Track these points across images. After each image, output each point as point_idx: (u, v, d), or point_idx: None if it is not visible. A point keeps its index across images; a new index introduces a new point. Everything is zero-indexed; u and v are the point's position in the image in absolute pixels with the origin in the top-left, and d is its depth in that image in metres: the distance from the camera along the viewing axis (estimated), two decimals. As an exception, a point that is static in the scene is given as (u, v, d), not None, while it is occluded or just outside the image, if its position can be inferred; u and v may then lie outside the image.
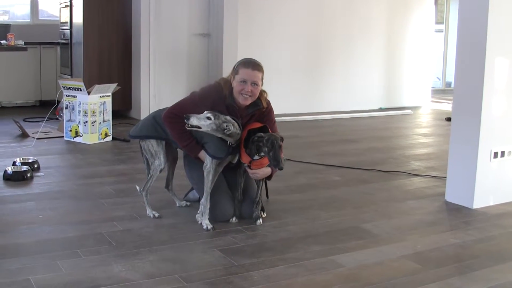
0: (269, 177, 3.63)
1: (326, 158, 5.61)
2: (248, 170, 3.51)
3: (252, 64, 3.47)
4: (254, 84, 3.44)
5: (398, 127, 7.95)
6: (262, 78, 3.50)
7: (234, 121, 3.39)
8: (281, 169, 3.32)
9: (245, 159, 3.46)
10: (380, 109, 9.51)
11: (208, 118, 3.31)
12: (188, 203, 3.88)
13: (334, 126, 7.83)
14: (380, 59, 9.60)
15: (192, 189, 3.93)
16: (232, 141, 3.41)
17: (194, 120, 3.31)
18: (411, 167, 5.34)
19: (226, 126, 3.33)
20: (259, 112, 3.57)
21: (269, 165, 3.51)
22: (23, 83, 8.43)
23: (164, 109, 3.56)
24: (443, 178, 4.64)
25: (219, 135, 3.37)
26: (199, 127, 3.32)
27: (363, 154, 5.91)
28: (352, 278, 2.82)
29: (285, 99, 8.50)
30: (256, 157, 3.42)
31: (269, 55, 8.13)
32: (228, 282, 2.72)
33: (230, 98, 3.48)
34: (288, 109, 8.48)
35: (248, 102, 3.47)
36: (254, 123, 3.52)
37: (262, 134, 3.38)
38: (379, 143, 6.62)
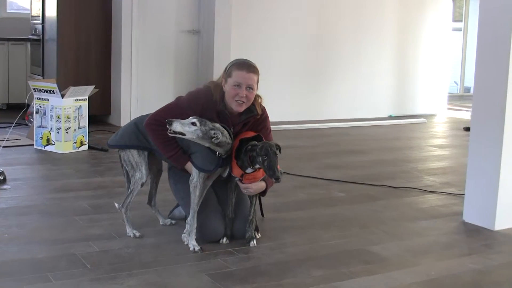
0: (263, 193, 3.63)
1: (329, 171, 5.61)
2: (240, 184, 3.51)
3: (247, 66, 3.48)
4: (249, 88, 3.45)
5: (410, 137, 7.96)
6: (258, 82, 3.51)
7: (224, 129, 3.39)
8: (277, 180, 3.31)
9: (237, 172, 3.46)
10: (390, 117, 9.53)
11: (193, 124, 3.31)
12: (173, 221, 3.87)
13: (338, 135, 7.84)
14: (391, 61, 9.63)
15: (178, 205, 3.93)
16: (222, 151, 3.41)
17: (177, 126, 3.30)
18: (425, 182, 5.35)
19: (214, 134, 3.32)
20: (253, 120, 3.58)
21: (263, 179, 3.52)
22: (-12, 84, 8.44)
23: (147, 115, 3.56)
24: (461, 195, 4.64)
25: (207, 145, 3.37)
26: (183, 134, 3.31)
27: (370, 167, 5.91)
28: (357, 307, 2.82)
29: (283, 105, 8.51)
30: (249, 169, 3.42)
31: (266, 56, 8.15)
32: (218, 310, 2.72)
33: (221, 103, 3.48)
34: (286, 116, 8.49)
35: (243, 108, 3.48)
36: (247, 132, 3.53)
37: (255, 142, 3.38)
38: (389, 155, 6.62)
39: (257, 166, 3.38)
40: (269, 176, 3.35)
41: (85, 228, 3.76)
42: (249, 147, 3.36)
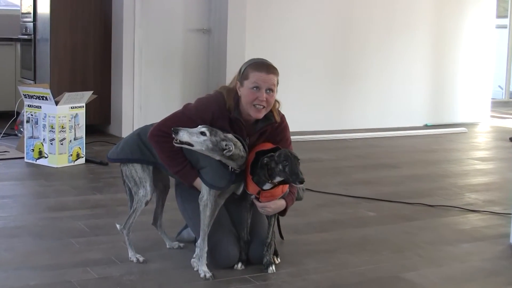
0: (282, 212, 3.62)
1: (356, 187, 5.61)
2: (256, 203, 3.51)
3: (266, 66, 3.49)
4: (270, 90, 3.45)
5: (449, 149, 7.94)
6: (277, 84, 3.52)
7: (237, 140, 3.39)
8: (302, 182, 3.29)
9: (252, 188, 3.45)
10: (426, 126, 9.51)
11: (202, 133, 3.30)
12: (181, 244, 3.88)
13: (366, 147, 7.83)
14: (426, 62, 9.61)
15: (186, 226, 3.93)
16: (235, 166, 3.40)
17: (184, 135, 3.29)
18: (466, 200, 5.33)
19: (226, 145, 3.31)
20: (270, 129, 3.58)
21: (283, 197, 3.52)
22: (-27, 90, 8.49)
23: (152, 125, 3.57)
24: (507, 215, 4.62)
25: (218, 157, 3.36)
26: (191, 145, 3.30)
27: (403, 183, 5.90)
28: None
29: (304, 113, 8.49)
30: (266, 185, 3.41)
31: (284, 57, 8.13)
32: None
33: (235, 111, 3.49)
34: (307, 126, 8.47)
35: (262, 114, 3.48)
36: (264, 144, 3.53)
37: (273, 153, 3.37)
38: (424, 169, 6.60)
39: (277, 179, 3.36)
40: (292, 182, 3.32)
41: (82, 252, 3.77)
42: (265, 160, 3.35)
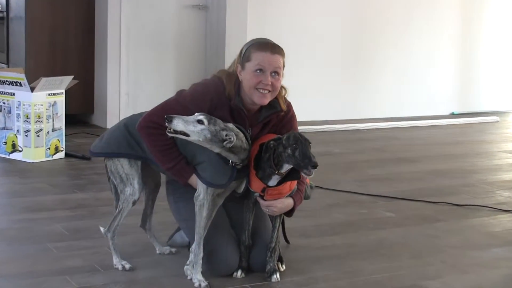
0: (289, 213, 3.63)
1: (373, 185, 5.62)
2: (261, 201, 3.51)
3: (270, 46, 3.48)
4: (275, 73, 3.45)
5: (478, 140, 7.95)
6: (284, 67, 3.51)
7: (239, 130, 3.38)
8: (315, 166, 3.24)
9: (256, 186, 3.45)
10: (452, 115, 9.51)
11: (200, 122, 3.28)
12: (173, 250, 3.89)
13: (384, 139, 7.85)
14: (452, 44, 9.62)
15: (179, 229, 3.94)
16: (237, 160, 3.40)
17: (179, 124, 3.26)
18: (497, 199, 5.34)
19: (226, 135, 3.30)
20: (275, 118, 3.58)
21: (290, 195, 3.52)
22: None
23: (141, 114, 3.56)
24: (543, 215, 4.64)
25: (217, 150, 3.35)
26: (187, 135, 3.28)
27: (425, 179, 5.91)
28: None
29: (313, 101, 8.53)
30: (272, 180, 3.40)
31: (292, 39, 8.15)
32: None
33: (236, 98, 3.48)
34: (317, 115, 8.51)
35: (267, 100, 3.47)
36: (268, 135, 3.52)
37: (279, 136, 3.37)
38: (450, 164, 6.62)
39: (285, 167, 3.33)
40: (304, 167, 3.26)
41: (61, 258, 3.77)
42: (272, 143, 3.33)
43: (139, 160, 3.59)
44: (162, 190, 3.83)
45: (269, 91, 3.44)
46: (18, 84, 6.04)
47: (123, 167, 3.59)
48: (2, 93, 6.14)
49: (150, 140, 3.46)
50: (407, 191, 5.45)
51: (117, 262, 3.64)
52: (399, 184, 5.70)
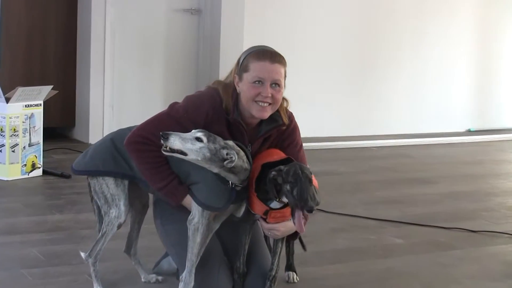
0: (293, 236, 3.65)
1: (381, 208, 5.64)
2: (264, 224, 3.50)
3: (269, 55, 3.47)
4: (275, 84, 3.43)
5: (498, 160, 7.97)
6: (285, 77, 3.50)
7: (239, 148, 3.37)
8: (311, 211, 3.24)
9: (259, 208, 3.43)
10: (469, 132, 9.54)
11: (198, 139, 3.27)
12: (159, 278, 3.89)
13: (395, 157, 7.86)
14: (469, 56, 9.65)
15: (166, 254, 3.93)
16: (237, 181, 3.39)
17: (176, 141, 3.24)
18: (517, 225, 5.36)
19: (227, 154, 3.29)
20: (277, 133, 3.58)
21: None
22: None
23: (130, 128, 3.56)
24: None
25: (216, 170, 3.34)
26: (184, 153, 3.27)
27: (439, 202, 5.93)
28: None
29: (318, 115, 8.54)
30: (274, 203, 3.39)
31: (293, 47, 8.16)
32: None
33: (235, 112, 3.48)
34: (321, 131, 8.52)
35: (268, 113, 3.46)
36: (270, 151, 3.53)
37: (281, 167, 3.35)
38: (466, 185, 6.63)
39: (285, 199, 3.33)
40: (299, 208, 3.27)
41: (36, 286, 3.77)
42: (273, 173, 3.32)
43: (126, 179, 3.58)
44: (149, 212, 3.82)
45: (269, 104, 3.43)
46: (-9, 94, 6.03)
47: (109, 186, 3.57)
48: (-27, 105, 6.11)
49: (139, 157, 3.44)
50: (419, 215, 5.46)
51: (99, 291, 3.64)
52: (410, 207, 5.72)
